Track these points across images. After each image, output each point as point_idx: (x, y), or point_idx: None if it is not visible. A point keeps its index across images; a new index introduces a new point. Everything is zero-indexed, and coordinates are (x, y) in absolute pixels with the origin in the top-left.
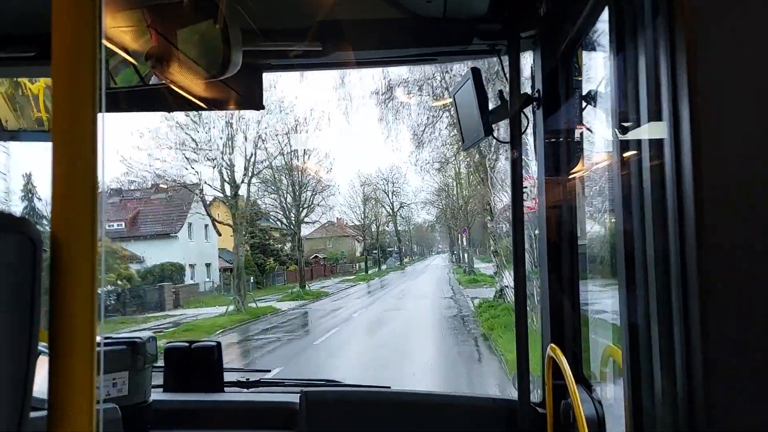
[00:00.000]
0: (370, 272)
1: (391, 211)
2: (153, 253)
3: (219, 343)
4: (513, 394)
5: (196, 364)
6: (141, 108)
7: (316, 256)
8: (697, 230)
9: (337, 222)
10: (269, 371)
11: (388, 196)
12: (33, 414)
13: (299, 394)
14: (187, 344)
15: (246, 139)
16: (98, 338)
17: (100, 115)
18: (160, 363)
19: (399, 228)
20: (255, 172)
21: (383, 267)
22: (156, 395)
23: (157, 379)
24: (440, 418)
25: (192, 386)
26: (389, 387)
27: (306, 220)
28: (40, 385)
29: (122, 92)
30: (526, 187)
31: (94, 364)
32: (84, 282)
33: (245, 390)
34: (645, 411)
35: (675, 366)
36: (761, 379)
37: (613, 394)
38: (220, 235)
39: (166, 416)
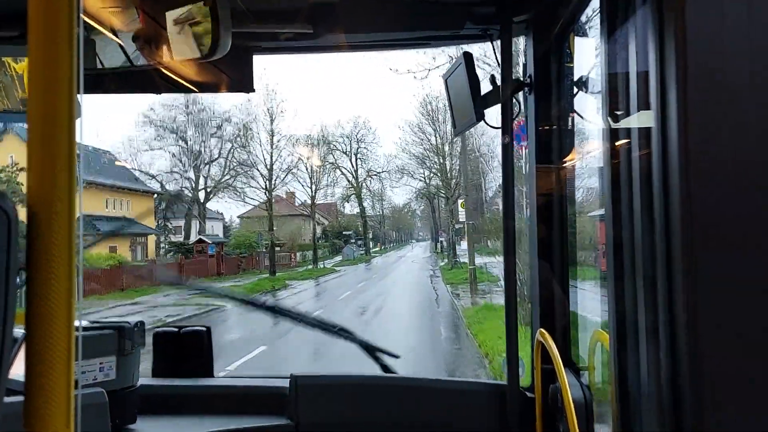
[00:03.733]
0: (285, 272)
1: (354, 182)
2: None
3: (209, 329)
4: None
5: (186, 349)
6: (128, 90)
7: (201, 240)
8: (684, 216)
9: (286, 197)
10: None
11: (350, 159)
12: (10, 398)
13: (289, 379)
14: (176, 329)
15: None
16: (77, 322)
17: (81, 95)
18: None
19: (369, 208)
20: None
21: (335, 259)
22: (144, 380)
23: (146, 364)
24: (429, 403)
25: (181, 371)
26: (380, 374)
27: (216, 189)
28: (19, 369)
29: (109, 73)
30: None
31: (72, 347)
32: (61, 261)
33: (235, 375)
34: (632, 394)
35: (662, 349)
36: (748, 362)
37: (600, 377)
38: None
39: (155, 401)
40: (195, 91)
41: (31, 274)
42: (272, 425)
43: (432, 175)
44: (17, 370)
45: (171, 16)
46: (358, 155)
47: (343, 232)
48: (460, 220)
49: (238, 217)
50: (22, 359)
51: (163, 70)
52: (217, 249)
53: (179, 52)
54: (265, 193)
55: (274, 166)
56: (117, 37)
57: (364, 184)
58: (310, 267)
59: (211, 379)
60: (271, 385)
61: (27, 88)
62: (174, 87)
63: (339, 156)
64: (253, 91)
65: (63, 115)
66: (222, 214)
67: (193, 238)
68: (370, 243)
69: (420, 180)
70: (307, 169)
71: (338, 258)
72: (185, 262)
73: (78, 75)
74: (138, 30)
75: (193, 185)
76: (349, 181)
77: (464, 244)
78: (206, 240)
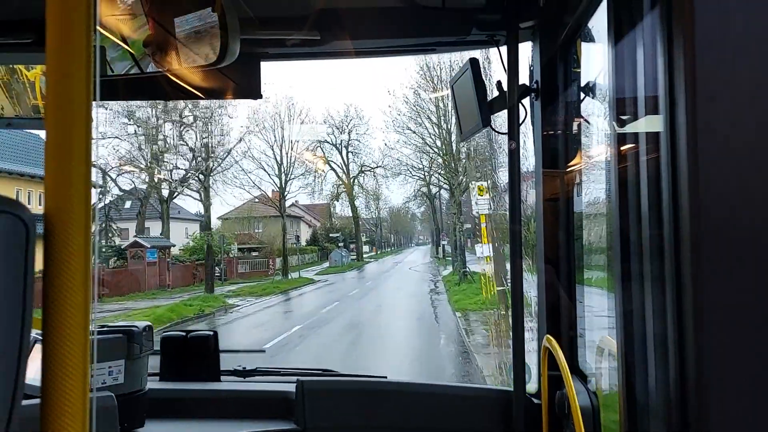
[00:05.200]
0: (247, 283)
1: (344, 178)
2: None
3: (215, 333)
4: None
5: (193, 353)
6: (138, 96)
7: (136, 243)
8: (692, 222)
9: (272, 196)
10: (263, 351)
11: (340, 153)
12: (27, 402)
13: (295, 384)
14: (183, 334)
15: None
16: (92, 326)
17: (95, 102)
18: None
19: (363, 209)
20: None
21: (324, 265)
22: (152, 384)
23: (154, 368)
24: (436, 408)
25: (188, 375)
26: (386, 377)
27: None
28: (36, 372)
29: (119, 80)
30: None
31: (87, 351)
32: (77, 267)
33: (241, 379)
34: (639, 401)
35: (669, 357)
36: (756, 370)
37: (607, 384)
38: None
39: (162, 405)
40: (203, 98)
41: (47, 279)
42: (279, 430)
43: (432, 161)
44: (30, 374)
45: (179, 23)
46: (349, 148)
47: (330, 235)
48: (475, 211)
49: (218, 218)
50: (34, 363)
51: (172, 77)
52: (161, 254)
53: (188, 59)
54: (199, 177)
55: (217, 134)
56: (127, 44)
57: (356, 181)
58: (279, 277)
59: (218, 383)
60: (278, 390)
61: (45, 96)
62: (182, 93)
63: (328, 149)
64: (261, 97)
65: (80, 123)
66: (203, 215)
67: (155, 242)
68: (365, 247)
69: (417, 168)
70: (274, 155)
71: (327, 264)
72: (105, 271)
73: (95, 83)
74: (147, 37)
75: (154, 179)
76: (339, 176)
77: (481, 250)
78: (143, 243)
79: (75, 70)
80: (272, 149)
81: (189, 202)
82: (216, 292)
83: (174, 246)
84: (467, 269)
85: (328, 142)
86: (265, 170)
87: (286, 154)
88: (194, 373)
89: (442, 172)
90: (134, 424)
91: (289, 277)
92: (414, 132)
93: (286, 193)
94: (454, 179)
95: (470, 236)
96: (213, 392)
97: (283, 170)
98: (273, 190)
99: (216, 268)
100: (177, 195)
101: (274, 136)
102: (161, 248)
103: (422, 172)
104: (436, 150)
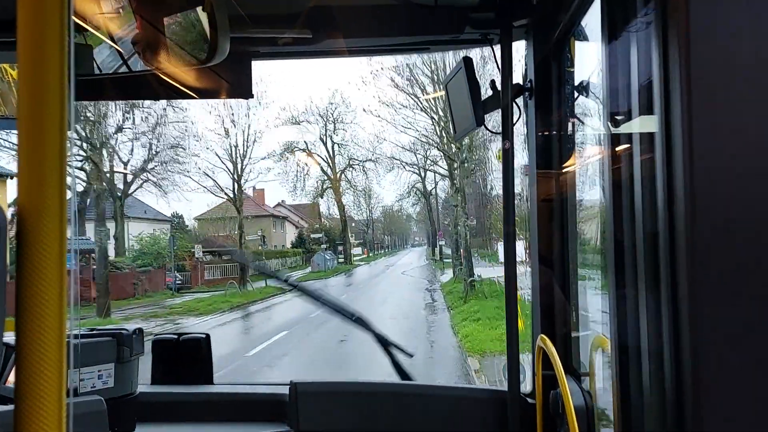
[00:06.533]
0: (195, 296)
1: (329, 173)
2: None
3: (208, 335)
4: None
5: (185, 356)
6: (126, 96)
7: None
8: (687, 223)
9: (255, 194)
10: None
11: (325, 145)
12: (5, 407)
13: (288, 386)
14: (175, 336)
15: None
16: (74, 330)
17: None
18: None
19: (354, 209)
20: None
21: (308, 270)
22: (143, 387)
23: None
24: (429, 409)
25: (180, 378)
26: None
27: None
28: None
29: (106, 79)
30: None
31: (63, 355)
32: (52, 268)
33: (234, 382)
34: (633, 401)
35: (663, 356)
36: (749, 369)
37: (602, 383)
38: None
39: (154, 408)
40: (194, 97)
41: (20, 280)
42: None
43: (428, 145)
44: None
45: (169, 21)
46: (335, 140)
47: (312, 235)
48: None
49: (194, 218)
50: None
51: (161, 76)
52: (84, 260)
53: (177, 58)
54: (84, 159)
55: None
56: (115, 42)
57: (344, 176)
58: (234, 289)
59: (210, 386)
60: (271, 392)
61: (18, 94)
62: (172, 93)
63: (311, 140)
64: (252, 96)
65: (53, 122)
66: (181, 216)
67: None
68: (357, 249)
69: (404, 147)
70: (226, 133)
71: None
72: None
73: (69, 81)
74: (136, 35)
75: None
76: (323, 171)
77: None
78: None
79: (48, 68)
80: (222, 123)
81: (155, 200)
82: (167, 303)
83: (94, 247)
84: (475, 277)
85: (312, 133)
86: (213, 150)
87: (243, 131)
88: (186, 376)
89: (436, 139)
90: (125, 428)
91: (250, 288)
92: (396, 85)
93: (243, 181)
94: (455, 154)
95: (471, 235)
96: (205, 395)
97: (238, 152)
98: (254, 189)
99: (177, 274)
100: (135, 191)
101: (224, 104)
102: (85, 252)
103: (414, 147)
104: (429, 113)
